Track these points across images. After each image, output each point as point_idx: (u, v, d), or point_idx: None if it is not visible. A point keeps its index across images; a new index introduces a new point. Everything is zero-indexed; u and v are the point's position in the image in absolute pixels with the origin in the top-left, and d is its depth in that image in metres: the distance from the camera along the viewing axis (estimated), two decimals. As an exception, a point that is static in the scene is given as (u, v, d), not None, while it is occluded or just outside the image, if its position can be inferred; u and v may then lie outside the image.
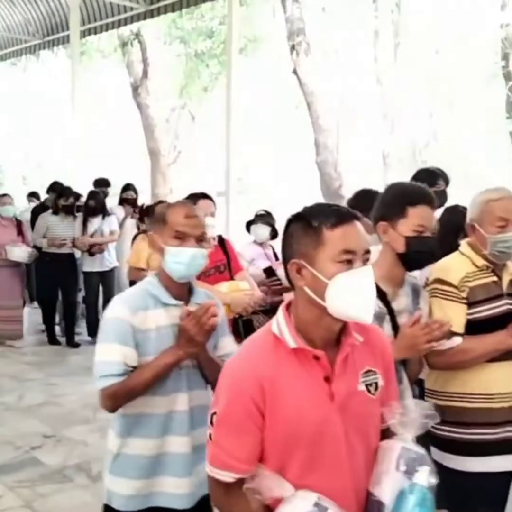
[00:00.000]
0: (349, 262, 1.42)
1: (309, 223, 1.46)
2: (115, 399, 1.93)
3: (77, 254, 7.10)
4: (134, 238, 5.48)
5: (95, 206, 6.93)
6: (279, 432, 1.44)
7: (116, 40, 15.54)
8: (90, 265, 7.02)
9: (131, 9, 9.50)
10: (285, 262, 1.51)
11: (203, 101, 17.21)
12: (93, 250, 6.89)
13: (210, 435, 1.50)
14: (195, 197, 3.43)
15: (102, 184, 7.80)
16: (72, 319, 7.16)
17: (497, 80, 17.22)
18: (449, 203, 3.40)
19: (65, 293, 7.09)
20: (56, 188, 7.43)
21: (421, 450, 1.50)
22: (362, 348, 1.53)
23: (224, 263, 3.57)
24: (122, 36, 14.89)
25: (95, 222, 6.93)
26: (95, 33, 10.80)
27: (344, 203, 10.29)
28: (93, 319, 7.13)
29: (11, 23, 11.70)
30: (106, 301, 6.91)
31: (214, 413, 1.48)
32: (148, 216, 5.28)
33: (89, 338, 7.03)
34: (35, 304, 8.05)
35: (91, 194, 7.12)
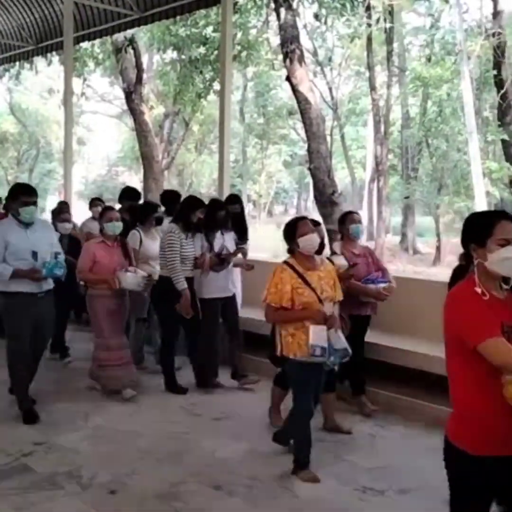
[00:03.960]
0: None
1: None
2: None
3: None
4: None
5: (226, 218, 5.74)
6: None
7: (110, 46, 15.57)
8: (209, 290, 5.63)
9: (125, 16, 9.51)
10: None
11: (197, 107, 17.27)
12: (223, 256, 5.61)
13: None
14: None
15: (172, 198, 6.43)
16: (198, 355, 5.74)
17: (489, 88, 17.34)
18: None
19: (189, 325, 5.59)
20: (192, 201, 5.76)
21: None
22: None
23: None
24: (116, 42, 14.91)
25: (217, 238, 5.70)
26: (89, 39, 10.84)
27: (337, 210, 10.28)
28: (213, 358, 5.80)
29: (5, 29, 11.70)
30: (230, 334, 5.85)
31: None
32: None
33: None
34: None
35: (219, 204, 5.89)
